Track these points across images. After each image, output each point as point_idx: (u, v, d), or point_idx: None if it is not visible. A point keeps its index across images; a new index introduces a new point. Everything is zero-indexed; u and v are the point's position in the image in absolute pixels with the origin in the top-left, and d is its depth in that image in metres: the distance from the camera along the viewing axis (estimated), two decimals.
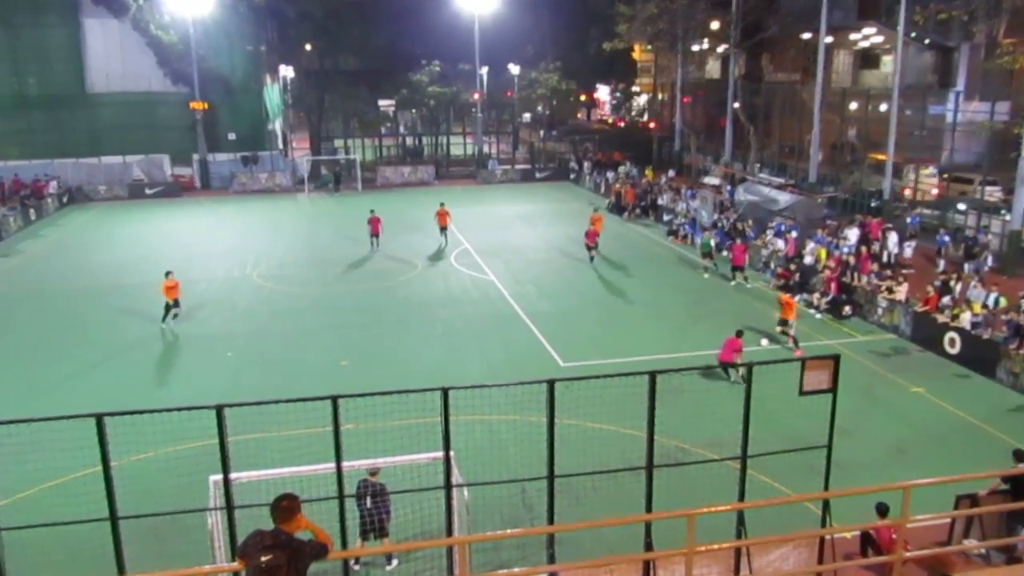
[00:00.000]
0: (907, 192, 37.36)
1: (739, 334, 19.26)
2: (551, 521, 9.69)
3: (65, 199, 47.88)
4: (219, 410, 8.64)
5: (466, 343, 22.40)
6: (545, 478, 9.80)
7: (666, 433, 10.88)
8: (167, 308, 23.69)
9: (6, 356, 21.97)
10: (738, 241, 29.37)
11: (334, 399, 9.12)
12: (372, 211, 33.92)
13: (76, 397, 18.68)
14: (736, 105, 48.32)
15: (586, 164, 54.48)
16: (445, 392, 9.15)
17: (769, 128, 48.47)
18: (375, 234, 33.40)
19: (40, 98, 48.99)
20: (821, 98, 40.56)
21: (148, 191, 50.19)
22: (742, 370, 17.31)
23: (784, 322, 21.56)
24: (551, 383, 9.64)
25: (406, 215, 42.11)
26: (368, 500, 11.30)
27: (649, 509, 9.84)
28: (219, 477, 9.18)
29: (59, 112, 49.37)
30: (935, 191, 36.99)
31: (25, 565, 9.99)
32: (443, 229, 34.15)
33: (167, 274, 23.97)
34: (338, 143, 60.51)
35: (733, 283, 28.15)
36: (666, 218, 38.51)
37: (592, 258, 30.96)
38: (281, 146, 56.42)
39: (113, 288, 28.51)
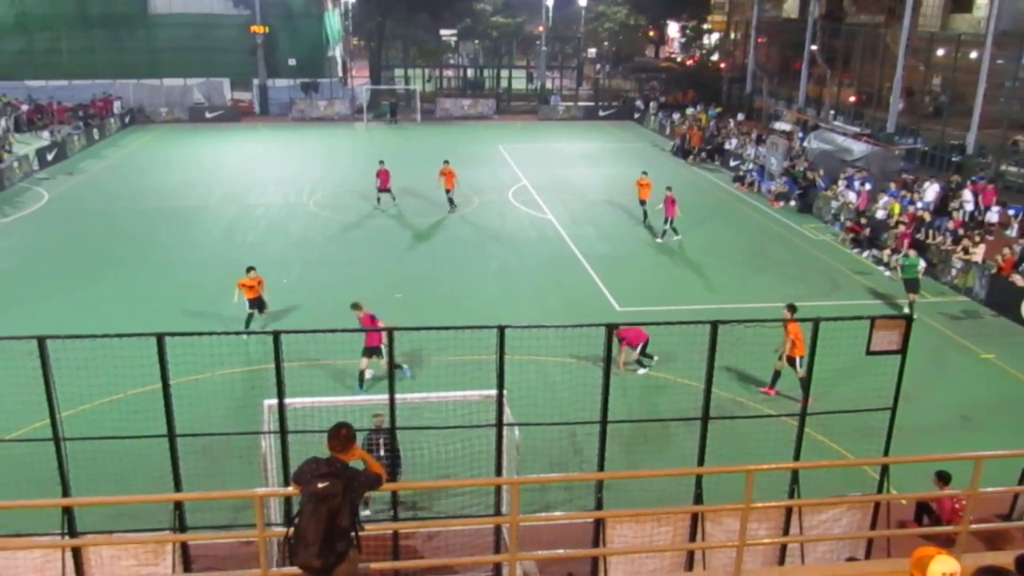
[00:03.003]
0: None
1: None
2: (601, 467, 9.71)
3: (127, 120, 48.76)
4: (276, 336, 8.78)
5: (521, 282, 22.39)
6: (597, 423, 9.78)
7: (722, 386, 10.79)
8: (250, 312, 18.73)
9: (69, 273, 22.69)
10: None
11: (390, 331, 9.20)
12: (381, 162, 29.80)
13: (134, 315, 19.27)
14: (814, 47, 46.55)
15: (652, 104, 53.39)
16: (501, 330, 9.13)
17: (848, 73, 46.67)
18: (384, 188, 29.20)
19: (103, 18, 49.50)
20: (906, 42, 38.80)
21: (208, 115, 50.83)
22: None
23: (792, 361, 15.65)
24: (609, 327, 9.55)
25: (464, 149, 41.93)
26: (382, 448, 11.08)
27: (701, 462, 9.80)
28: (273, 402, 9.37)
29: (121, 32, 49.96)
30: None
31: (86, 475, 10.44)
32: (448, 192, 29.23)
33: (248, 270, 18.87)
34: (398, 72, 60.17)
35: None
36: (732, 164, 37.65)
37: (665, 233, 26.30)
38: (340, 74, 56.35)
39: (172, 210, 29.11)
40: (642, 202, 28.38)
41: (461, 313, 19.34)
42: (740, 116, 48.37)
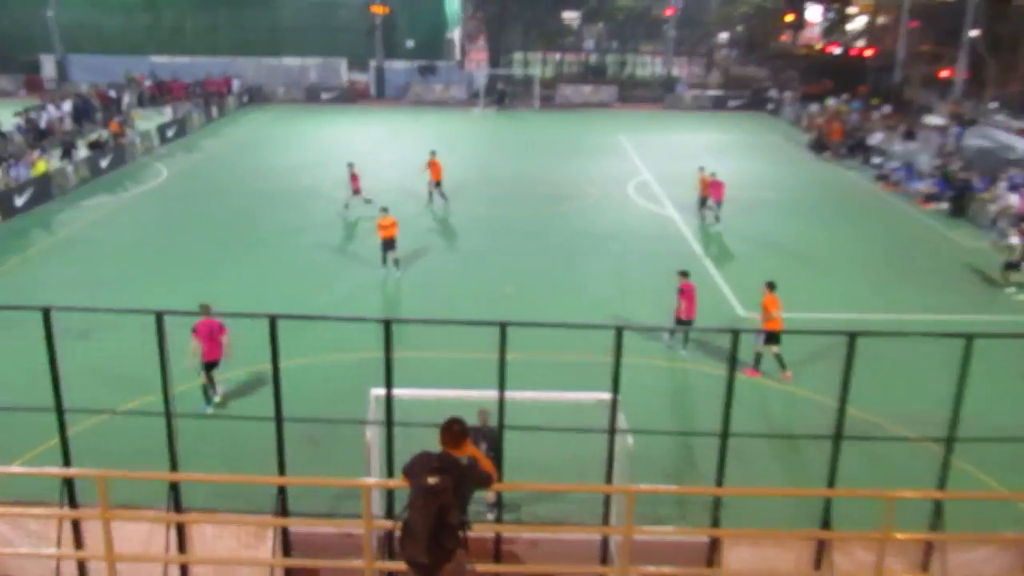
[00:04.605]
0: None
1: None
2: (719, 483, 9.46)
3: (245, 99, 50.91)
4: (387, 324, 8.93)
5: (639, 281, 22.13)
6: (717, 435, 9.53)
7: (857, 403, 10.30)
8: (384, 255, 21.73)
9: (186, 249, 23.87)
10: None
11: (502, 325, 9.22)
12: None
13: (245, 296, 20.09)
14: (974, 33, 44.01)
15: (787, 94, 51.86)
16: (619, 331, 9.02)
17: (1014, 62, 43.93)
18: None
19: None
20: None
21: (324, 95, 52.51)
22: None
23: (772, 337, 16.44)
24: (735, 332, 9.29)
25: (583, 138, 41.83)
26: (484, 449, 10.93)
27: (831, 484, 9.40)
28: (381, 391, 9.54)
29: (244, 10, 52.23)
30: None
31: (194, 451, 10.95)
32: (437, 185, 28.59)
33: (382, 211, 22.03)
34: (516, 56, 60.47)
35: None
36: (875, 160, 36.08)
37: (717, 218, 27.00)
38: (458, 57, 57.10)
39: (287, 191, 30.21)
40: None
41: (575, 310, 19.28)
42: (886, 108, 46.32)
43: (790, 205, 29.94)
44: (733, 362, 9.27)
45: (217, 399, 14.88)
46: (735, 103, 53.86)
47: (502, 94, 52.31)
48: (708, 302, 20.68)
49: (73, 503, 9.63)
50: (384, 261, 21.81)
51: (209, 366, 14.74)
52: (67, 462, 9.56)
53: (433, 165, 28.56)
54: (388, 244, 21.73)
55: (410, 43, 53.73)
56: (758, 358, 16.62)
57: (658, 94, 55.87)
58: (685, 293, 17.42)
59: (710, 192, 26.95)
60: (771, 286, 16.78)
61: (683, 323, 17.37)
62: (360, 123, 46.16)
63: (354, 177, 27.40)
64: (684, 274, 17.73)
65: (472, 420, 11.58)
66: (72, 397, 9.62)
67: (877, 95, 51.44)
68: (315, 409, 11.92)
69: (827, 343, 9.24)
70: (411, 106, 51.99)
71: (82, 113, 41.12)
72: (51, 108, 38.92)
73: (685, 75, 59.70)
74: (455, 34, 56.71)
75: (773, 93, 53.52)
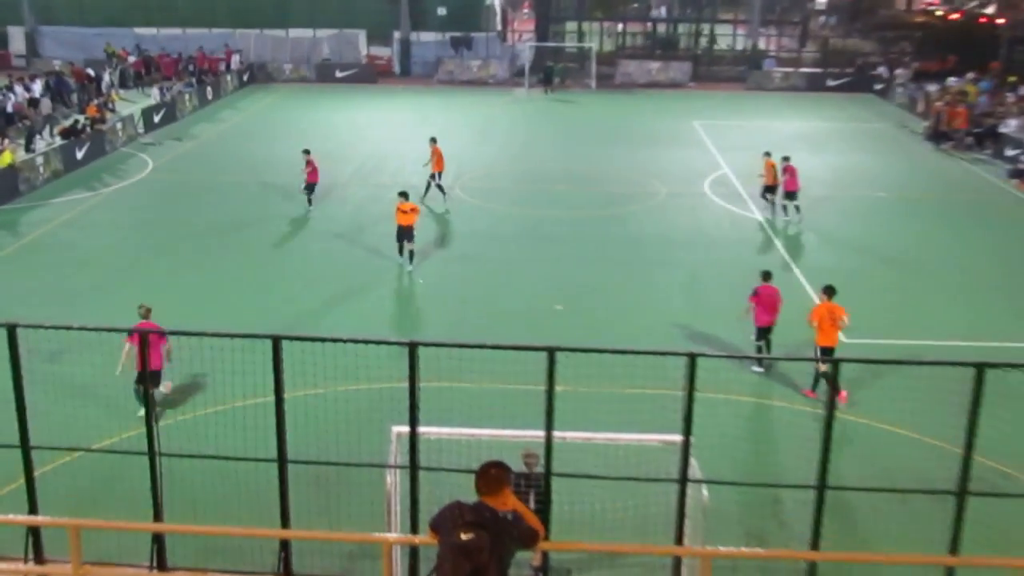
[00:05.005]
0: None
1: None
2: (817, 545, 9.36)
3: (246, 77, 51.71)
4: (412, 348, 9.00)
5: (717, 298, 21.96)
6: (812, 487, 9.44)
7: (986, 450, 10.13)
8: (400, 244, 23.01)
9: (172, 256, 24.22)
10: None
11: (550, 350, 9.23)
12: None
13: (243, 312, 20.33)
14: None
15: (899, 71, 51.35)
16: (692, 358, 8.99)
17: None
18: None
19: None
20: None
21: (339, 73, 53.15)
22: None
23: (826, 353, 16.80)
24: (835, 363, 9.20)
25: (649, 126, 41.80)
26: (532, 499, 10.94)
27: (955, 548, 9.25)
28: (404, 428, 9.61)
29: None
30: None
31: (182, 496, 11.08)
32: (438, 176, 28.80)
33: (402, 195, 23.14)
34: (570, 27, 60.65)
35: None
36: (1010, 153, 35.53)
37: (796, 208, 27.28)
38: (499, 27, 57.36)
39: (294, 187, 30.50)
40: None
41: (638, 333, 19.21)
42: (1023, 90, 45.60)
43: (904, 207, 29.58)
44: (833, 399, 9.19)
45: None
46: (835, 83, 53.54)
47: (551, 72, 52.43)
48: (801, 324, 20.49)
49: (40, 557, 9.80)
50: (401, 252, 22.96)
51: (145, 378, 15.46)
52: (33, 508, 9.73)
53: (436, 155, 28.82)
54: (405, 233, 22.77)
55: (442, 11, 54.19)
56: (818, 378, 16.86)
57: (741, 72, 55.71)
58: (760, 298, 17.99)
59: (778, 180, 27.45)
60: (829, 291, 17.09)
61: (762, 333, 18.09)
62: (381, 107, 46.66)
63: (309, 164, 27.81)
64: (766, 275, 18.27)
65: (515, 464, 11.60)
66: (40, 431, 9.81)
67: (1012, 72, 50.63)
68: (325, 448, 11.99)
69: (950, 377, 9.09)
70: (442, 86, 52.39)
71: (55, 94, 42.00)
72: (19, 89, 39.83)
73: (774, 49, 59.32)
74: (496, 0, 57.09)
75: (882, 70, 53.09)
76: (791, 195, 27.23)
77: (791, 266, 24.09)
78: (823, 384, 16.41)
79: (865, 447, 15.62)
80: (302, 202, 28.48)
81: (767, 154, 28.24)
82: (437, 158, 28.79)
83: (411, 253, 22.98)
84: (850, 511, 12.95)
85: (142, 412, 15.41)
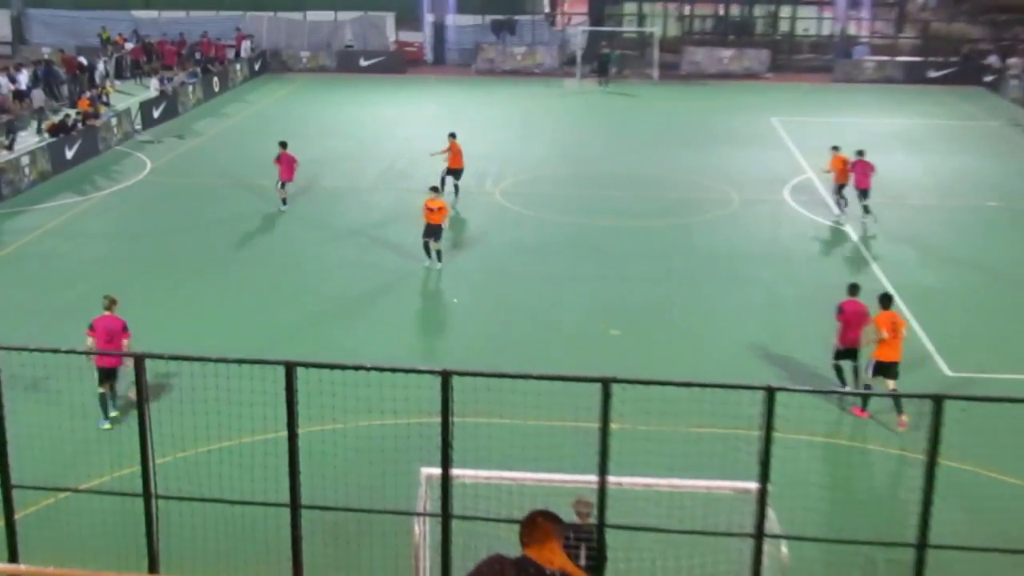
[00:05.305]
0: None
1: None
2: None
3: (257, 66, 52.19)
4: (445, 377, 8.99)
5: (798, 321, 21.86)
6: (911, 546, 9.33)
7: None
8: (425, 241, 24.08)
9: (172, 269, 24.41)
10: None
11: (605, 381, 9.20)
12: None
13: (251, 334, 20.46)
14: None
15: (1013, 60, 50.88)
16: (770, 392, 8.92)
17: None
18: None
19: None
20: None
21: (363, 62, 53.51)
22: None
23: (885, 368, 17.37)
24: (937, 399, 9.10)
25: (720, 122, 41.67)
26: (583, 554, 10.77)
27: None
28: (435, 471, 9.60)
29: None
30: None
31: (181, 544, 11.16)
32: (457, 174, 29.67)
33: (433, 190, 24.79)
34: (628, 8, 60.68)
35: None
36: None
37: (867, 209, 27.57)
38: (547, 9, 57.47)
39: (310, 191, 30.74)
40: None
41: (706, 363, 19.14)
42: None
43: (1018, 219, 29.23)
44: (935, 442, 9.08)
45: (114, 413, 16.29)
46: (937, 74, 53.19)
47: (607, 61, 52.43)
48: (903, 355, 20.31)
49: None
50: (428, 252, 24.11)
51: (107, 373, 15.87)
52: (13, 556, 9.84)
53: (453, 149, 29.47)
54: (433, 231, 23.98)
55: None
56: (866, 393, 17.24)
57: (827, 61, 55.53)
58: (846, 315, 17.91)
59: (846, 178, 27.81)
60: (885, 301, 17.59)
61: (843, 355, 18.06)
62: (411, 99, 46.94)
63: (283, 158, 28.56)
64: (853, 289, 18.52)
65: (564, 514, 11.54)
66: (21, 468, 9.92)
67: None
68: (344, 493, 12.03)
69: None
70: (481, 76, 52.58)
71: (44, 85, 42.51)
72: (3, 79, 40.44)
73: (865, 35, 58.99)
74: None
75: (992, 59, 52.72)
76: (863, 193, 27.41)
77: (886, 286, 23.85)
78: (888, 403, 17.09)
79: (972, 499, 15.39)
80: (317, 208, 28.71)
81: (835, 148, 28.61)
82: (454, 154, 29.46)
83: (438, 252, 24.16)
84: (954, 574, 12.77)
85: (107, 424, 15.88)
